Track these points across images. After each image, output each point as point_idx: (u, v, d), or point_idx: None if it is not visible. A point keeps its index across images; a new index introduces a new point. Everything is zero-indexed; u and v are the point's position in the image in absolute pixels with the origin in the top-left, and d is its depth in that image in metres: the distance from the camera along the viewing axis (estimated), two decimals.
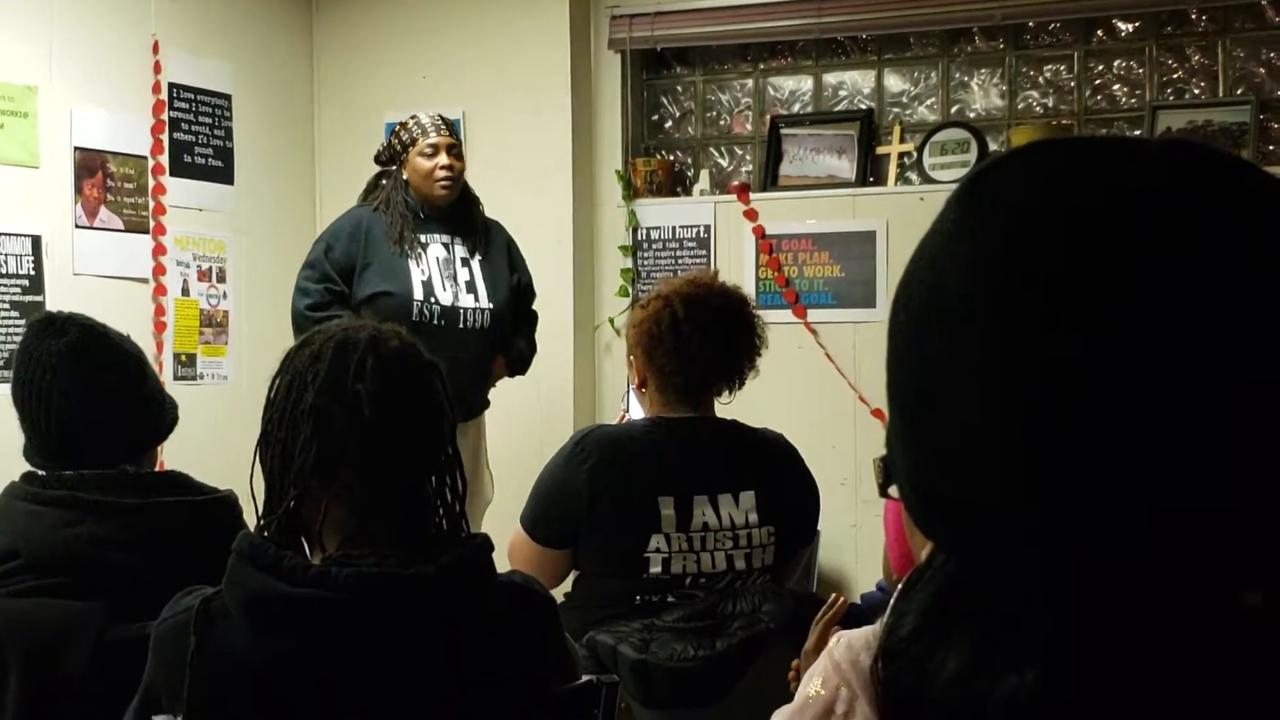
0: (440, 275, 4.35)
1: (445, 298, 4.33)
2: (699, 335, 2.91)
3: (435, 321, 4.26)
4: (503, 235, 4.61)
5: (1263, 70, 4.99)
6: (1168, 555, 0.71)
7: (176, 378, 5.10)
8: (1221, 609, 0.73)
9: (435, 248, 4.39)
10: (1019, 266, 0.74)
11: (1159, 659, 0.72)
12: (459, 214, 4.47)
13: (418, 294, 4.29)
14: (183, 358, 5.19)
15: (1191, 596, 0.73)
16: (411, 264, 4.31)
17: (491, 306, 4.43)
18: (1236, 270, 0.71)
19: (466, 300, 4.38)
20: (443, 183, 4.37)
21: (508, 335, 4.53)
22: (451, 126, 4.52)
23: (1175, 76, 5.12)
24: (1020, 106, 5.31)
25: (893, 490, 0.86)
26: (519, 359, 4.59)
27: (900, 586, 0.83)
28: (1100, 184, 0.75)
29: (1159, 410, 0.70)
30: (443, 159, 4.38)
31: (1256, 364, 0.70)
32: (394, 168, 4.46)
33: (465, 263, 4.44)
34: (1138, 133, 5.03)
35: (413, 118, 4.47)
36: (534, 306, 4.68)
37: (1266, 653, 0.72)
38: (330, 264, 4.33)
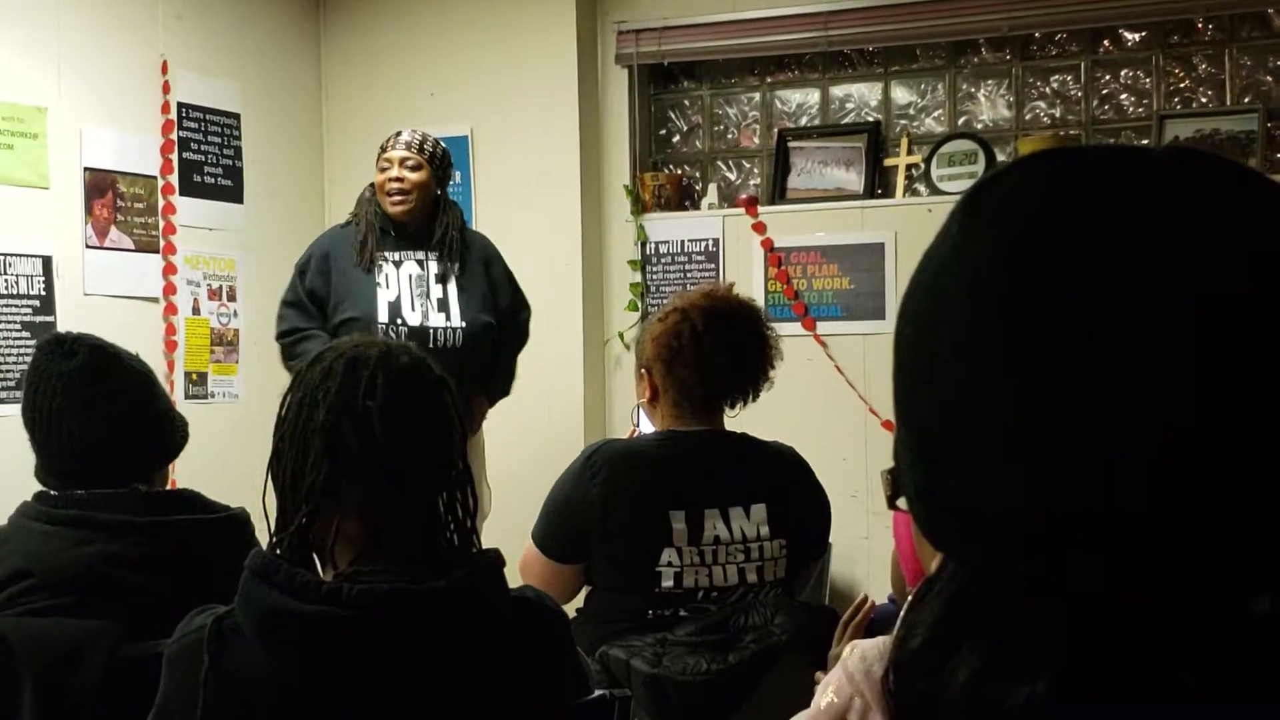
0: (411, 294, 4.31)
1: (413, 318, 4.29)
2: (718, 349, 2.91)
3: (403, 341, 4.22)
4: (484, 253, 4.54)
5: (1270, 79, 4.98)
6: (1178, 563, 0.71)
7: (188, 397, 5.11)
8: (1231, 616, 0.73)
9: (409, 265, 4.35)
10: (1024, 276, 0.74)
11: (1169, 666, 0.72)
12: (430, 231, 4.42)
13: (382, 316, 4.26)
14: (194, 376, 5.20)
15: (1201, 604, 0.73)
16: (379, 286, 4.29)
17: (464, 325, 4.36)
18: (1242, 277, 0.71)
19: (437, 319, 4.33)
20: (393, 197, 4.36)
21: (483, 358, 4.42)
22: (423, 143, 4.44)
23: (1182, 86, 5.12)
24: (1028, 117, 5.31)
25: (901, 502, 0.86)
26: (499, 384, 4.52)
27: (910, 598, 0.83)
28: (1104, 193, 0.75)
29: (1167, 418, 0.70)
30: (394, 171, 4.36)
31: (1262, 371, 0.70)
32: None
33: (440, 280, 4.38)
34: (1145, 142, 5.02)
35: (395, 133, 4.48)
36: (531, 324, 4.61)
37: (1276, 659, 0.72)
38: (303, 290, 4.39)
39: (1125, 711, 0.72)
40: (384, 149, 4.43)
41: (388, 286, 4.29)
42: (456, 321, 4.35)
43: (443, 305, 4.36)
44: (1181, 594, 0.72)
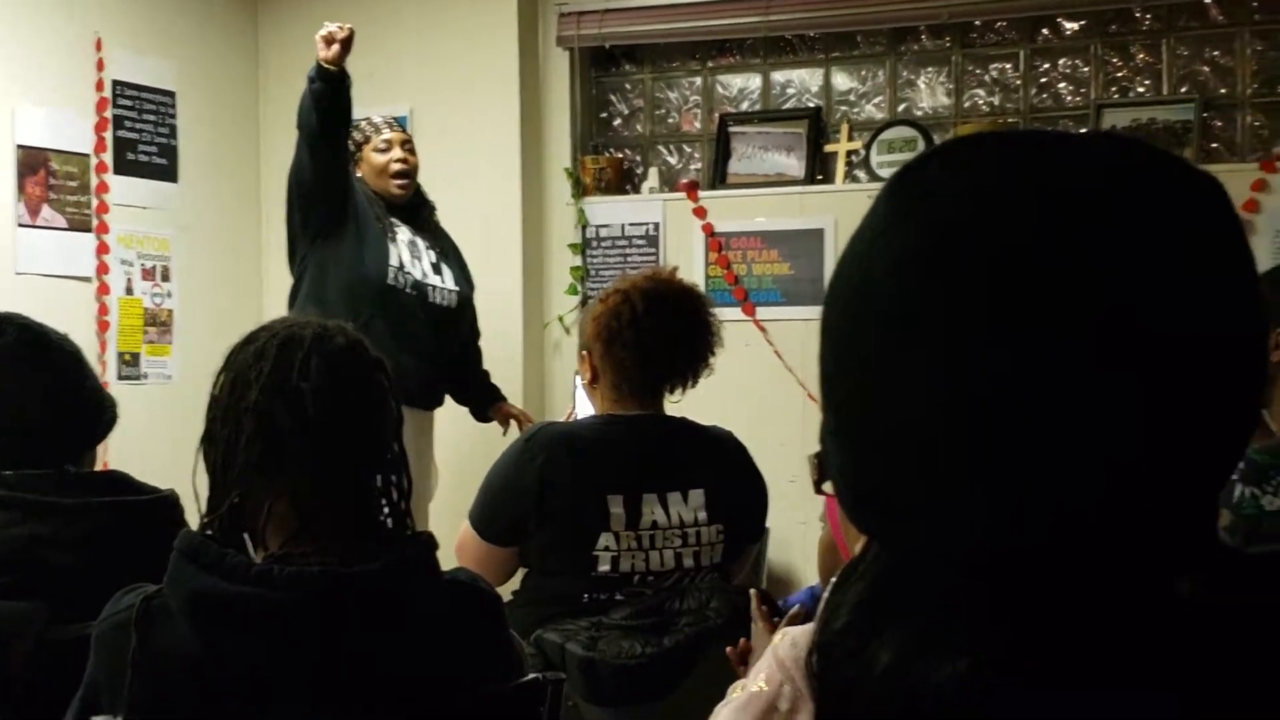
0: (409, 255, 4.33)
1: (415, 273, 4.32)
2: (658, 331, 2.91)
3: (408, 290, 4.25)
4: (449, 237, 4.61)
5: (1206, 68, 5.03)
6: (1100, 545, 0.72)
7: (120, 377, 5.05)
8: (1152, 596, 0.73)
9: (403, 231, 4.37)
10: (949, 261, 0.74)
11: (1092, 645, 0.73)
12: (417, 214, 4.46)
13: (393, 261, 4.26)
14: (126, 357, 5.14)
15: (1123, 585, 0.73)
16: (387, 240, 4.29)
17: (458, 290, 4.45)
18: (1166, 265, 0.72)
19: (434, 279, 4.39)
20: (398, 180, 4.35)
21: (473, 325, 4.57)
22: (403, 126, 4.49)
23: (1120, 75, 5.16)
24: (967, 105, 5.33)
25: (827, 486, 0.86)
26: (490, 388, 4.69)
27: (833, 580, 0.83)
28: (1031, 179, 0.75)
29: (1092, 404, 0.70)
30: (397, 153, 4.37)
31: (1187, 359, 0.71)
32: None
33: (429, 250, 4.44)
34: (1082, 130, 5.06)
35: (364, 119, 4.44)
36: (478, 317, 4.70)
37: (1195, 637, 0.73)
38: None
39: (1047, 690, 0.73)
40: (375, 131, 4.41)
41: (394, 245, 4.28)
42: (450, 285, 4.44)
43: (436, 270, 4.43)
44: (1106, 576, 0.73)
